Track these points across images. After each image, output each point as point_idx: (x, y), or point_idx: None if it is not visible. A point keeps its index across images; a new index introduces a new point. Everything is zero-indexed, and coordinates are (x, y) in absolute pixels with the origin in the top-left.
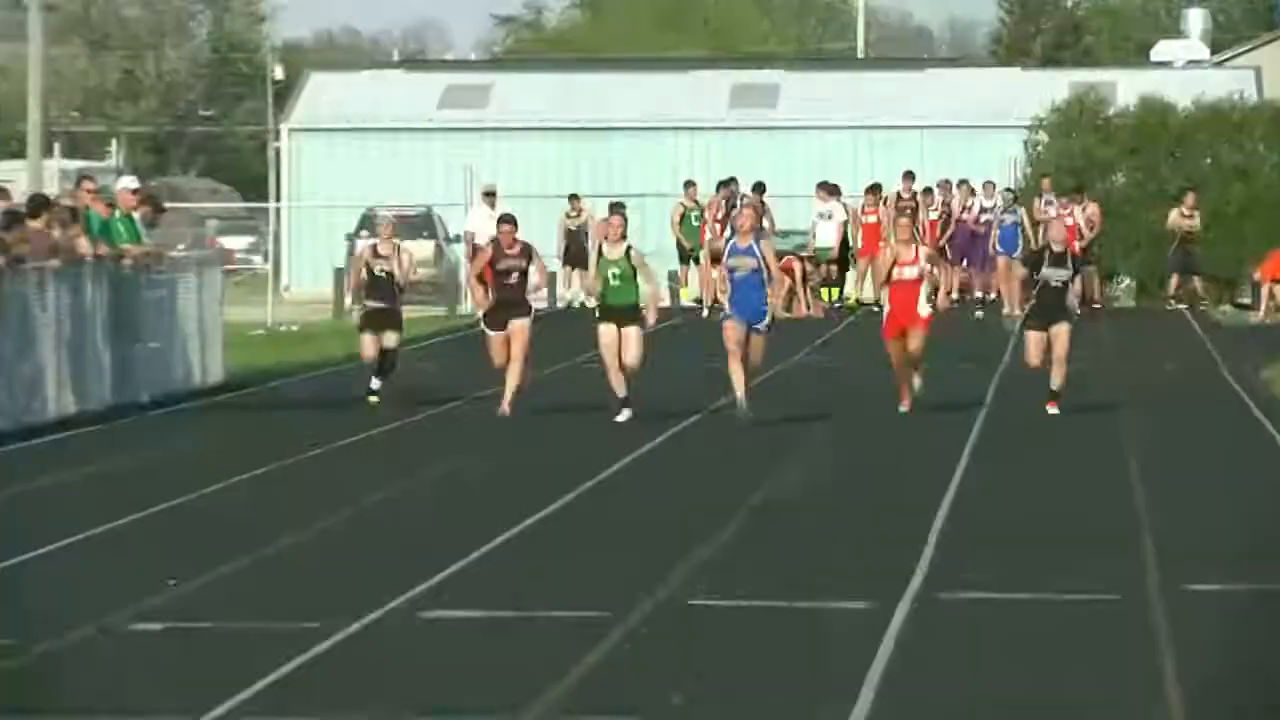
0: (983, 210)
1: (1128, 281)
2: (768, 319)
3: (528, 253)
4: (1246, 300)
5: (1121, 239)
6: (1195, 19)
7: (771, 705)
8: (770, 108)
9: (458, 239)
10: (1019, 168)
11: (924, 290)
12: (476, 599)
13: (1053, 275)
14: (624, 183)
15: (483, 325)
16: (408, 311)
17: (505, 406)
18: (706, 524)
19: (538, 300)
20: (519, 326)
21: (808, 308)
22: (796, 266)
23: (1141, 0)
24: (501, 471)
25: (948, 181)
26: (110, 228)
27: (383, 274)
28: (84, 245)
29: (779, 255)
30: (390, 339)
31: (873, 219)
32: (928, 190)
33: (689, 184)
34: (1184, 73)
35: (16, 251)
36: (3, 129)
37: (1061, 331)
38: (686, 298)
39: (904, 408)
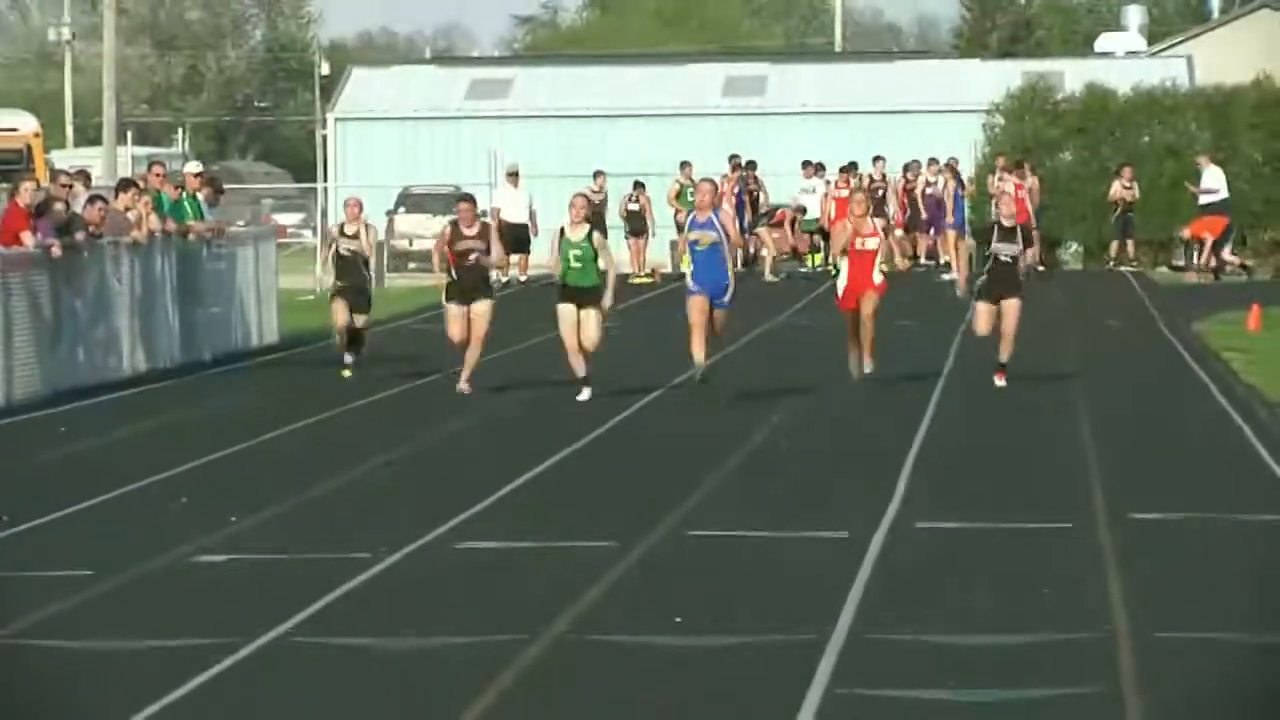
0: (945, 183)
1: (1075, 247)
2: (730, 292)
3: (486, 233)
4: (1180, 263)
5: (1069, 210)
6: (1134, 14)
7: (763, 621)
8: (759, 96)
9: (483, 214)
10: (978, 148)
11: (878, 260)
12: (499, 533)
13: (1002, 250)
14: (629, 164)
15: (443, 300)
16: (433, 280)
17: (464, 384)
18: (697, 470)
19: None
20: (480, 311)
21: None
22: (788, 214)
23: None
24: (500, 431)
25: (917, 162)
26: (178, 208)
27: (348, 253)
28: (154, 222)
29: (773, 210)
30: (359, 320)
31: (844, 192)
32: (907, 167)
33: (685, 164)
34: (1124, 62)
35: (94, 229)
36: (81, 120)
37: (1011, 306)
38: (685, 265)
39: (864, 369)
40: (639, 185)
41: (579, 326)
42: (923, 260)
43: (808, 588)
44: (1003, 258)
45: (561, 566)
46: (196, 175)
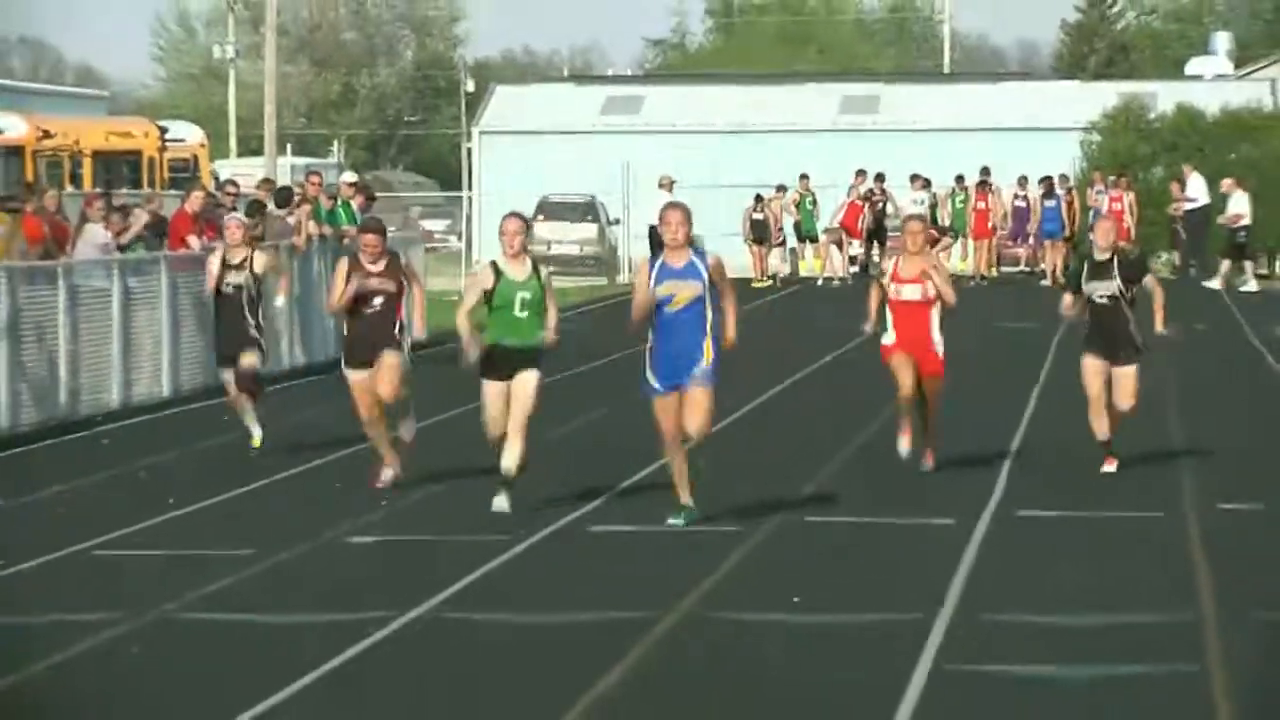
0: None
1: (1165, 256)
2: (707, 361)
3: (398, 270)
4: (1265, 272)
5: (1159, 222)
6: (1222, 40)
7: (875, 601)
8: (873, 114)
9: (617, 221)
10: (1077, 163)
11: (935, 318)
12: (632, 518)
13: (1095, 289)
14: (751, 176)
15: (342, 365)
16: (570, 282)
17: (386, 473)
18: (813, 461)
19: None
20: (387, 364)
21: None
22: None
23: (1179, 25)
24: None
25: (1024, 177)
26: (333, 214)
27: (230, 289)
28: (312, 227)
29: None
30: (247, 359)
31: (981, 205)
32: (1024, 180)
33: (804, 176)
34: (1212, 84)
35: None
36: (244, 131)
37: (1125, 376)
38: (804, 269)
39: (904, 448)
40: (759, 198)
41: (510, 402)
42: (1023, 267)
43: (916, 569)
44: (1097, 299)
45: (691, 548)
46: (351, 184)
